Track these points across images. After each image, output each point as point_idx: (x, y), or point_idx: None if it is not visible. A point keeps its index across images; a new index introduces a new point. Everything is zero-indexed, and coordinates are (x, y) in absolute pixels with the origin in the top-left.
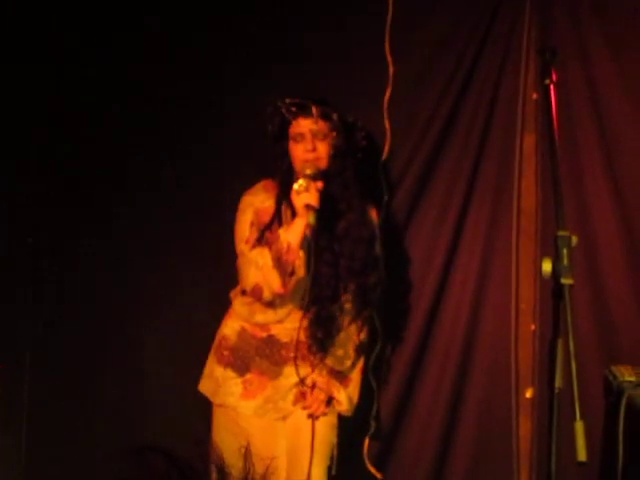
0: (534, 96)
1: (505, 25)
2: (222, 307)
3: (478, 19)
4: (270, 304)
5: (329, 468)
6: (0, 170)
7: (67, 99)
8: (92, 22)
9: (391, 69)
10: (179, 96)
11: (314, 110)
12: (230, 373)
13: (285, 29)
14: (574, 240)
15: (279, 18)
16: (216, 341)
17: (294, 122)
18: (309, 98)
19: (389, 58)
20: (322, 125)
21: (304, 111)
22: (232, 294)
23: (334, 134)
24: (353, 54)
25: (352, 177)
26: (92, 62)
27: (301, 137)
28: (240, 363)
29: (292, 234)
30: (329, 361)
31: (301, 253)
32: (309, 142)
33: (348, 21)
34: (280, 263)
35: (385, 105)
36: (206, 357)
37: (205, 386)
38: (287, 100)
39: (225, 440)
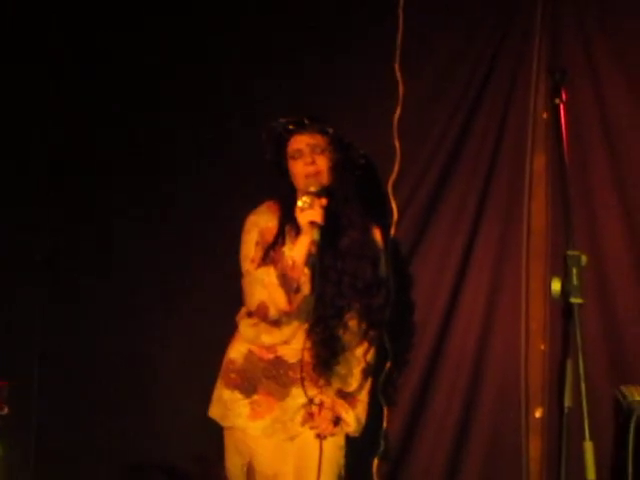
0: (544, 116)
1: (515, 45)
2: (231, 329)
3: (488, 39)
4: (276, 323)
5: None
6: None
7: (69, 104)
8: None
9: (401, 88)
10: (184, 111)
11: (309, 125)
12: (237, 395)
13: (295, 47)
14: (584, 259)
15: (289, 36)
16: (223, 365)
17: (291, 140)
18: (303, 115)
19: (399, 77)
20: (319, 139)
21: (300, 127)
22: (238, 317)
23: (331, 148)
24: (363, 73)
25: (352, 193)
26: (93, 64)
27: (299, 153)
28: (247, 385)
29: (297, 251)
30: (335, 382)
31: (306, 270)
32: (307, 156)
33: (358, 40)
34: (285, 280)
35: (395, 124)
36: (214, 378)
37: (214, 411)
38: (281, 120)
39: (234, 461)
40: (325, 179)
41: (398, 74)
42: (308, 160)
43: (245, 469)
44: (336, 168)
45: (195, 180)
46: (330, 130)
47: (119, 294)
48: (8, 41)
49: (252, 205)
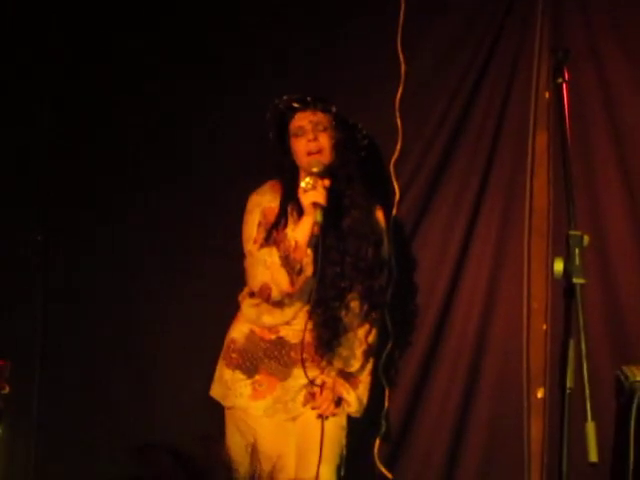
0: (546, 95)
1: (517, 24)
2: (233, 309)
3: (490, 18)
4: (278, 304)
5: (338, 468)
6: (7, 168)
7: (73, 100)
8: (94, 23)
9: (403, 68)
10: (184, 97)
11: (312, 102)
12: (239, 375)
13: (296, 29)
14: (586, 239)
15: (290, 18)
16: (225, 345)
17: (294, 118)
18: (305, 93)
19: (401, 57)
20: (321, 117)
21: (302, 105)
22: (240, 297)
23: (334, 126)
24: (365, 53)
25: (355, 173)
26: (94, 62)
27: (302, 130)
28: (249, 365)
29: (300, 232)
30: (337, 363)
31: (309, 251)
32: (310, 133)
33: (360, 20)
34: (288, 261)
35: (397, 104)
36: (216, 358)
37: (216, 391)
38: (284, 97)
39: (235, 440)
40: (327, 157)
41: (400, 55)
42: (310, 137)
43: (249, 449)
44: (338, 147)
45: (195, 162)
46: (333, 108)
47: (119, 277)
48: (8, 41)
49: (254, 186)
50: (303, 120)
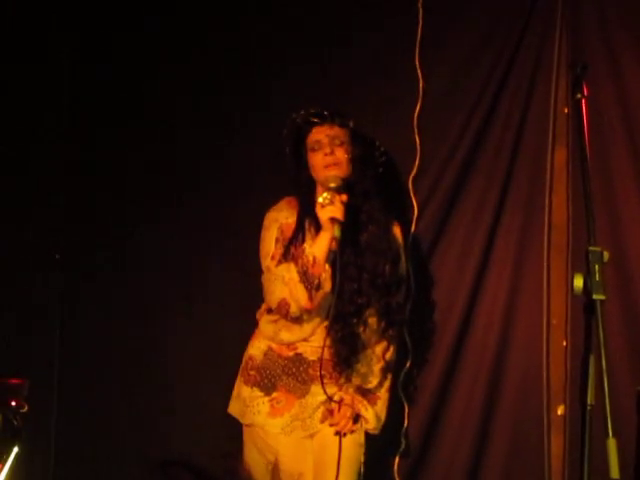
0: (565, 111)
1: (535, 40)
2: (251, 326)
3: (508, 34)
4: (297, 320)
5: None
6: (22, 185)
7: (84, 111)
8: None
9: (421, 84)
10: (199, 110)
11: (329, 117)
12: (257, 392)
13: (314, 44)
14: (606, 255)
15: (307, 34)
16: (243, 362)
17: (311, 132)
18: (322, 107)
19: (419, 73)
20: (338, 131)
21: (319, 119)
22: (258, 314)
23: (351, 141)
24: (382, 69)
25: (372, 188)
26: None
27: (319, 145)
28: (267, 382)
29: (318, 247)
30: (355, 379)
31: (327, 266)
32: (327, 146)
33: (378, 36)
34: (306, 277)
35: (415, 120)
36: (234, 375)
37: (234, 408)
38: (301, 112)
39: (253, 457)
40: (344, 171)
41: (418, 71)
42: (327, 150)
43: (270, 467)
44: (355, 162)
45: (213, 178)
46: (350, 123)
47: (137, 293)
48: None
49: (271, 201)
50: (320, 134)
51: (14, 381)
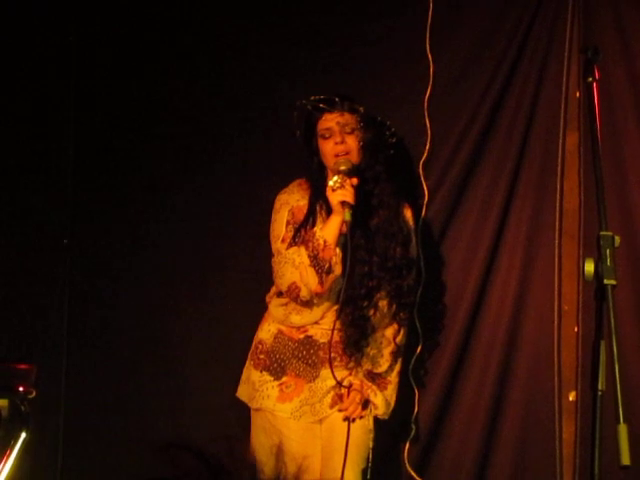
0: (577, 94)
1: (547, 23)
2: (261, 309)
3: (520, 17)
4: (307, 304)
5: (364, 472)
6: (32, 173)
7: (98, 104)
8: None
9: (432, 67)
10: (209, 99)
11: (339, 103)
12: (266, 377)
13: (324, 27)
14: (617, 240)
15: (318, 17)
16: (252, 346)
17: (321, 118)
18: (333, 93)
19: (430, 56)
20: (349, 118)
21: (330, 106)
22: (267, 297)
23: (362, 127)
24: (393, 52)
25: (383, 172)
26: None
27: (329, 132)
28: (276, 366)
29: (328, 231)
30: (365, 364)
31: (338, 250)
32: (337, 135)
33: (388, 19)
34: (317, 261)
35: (425, 104)
36: (243, 359)
37: (242, 392)
38: (312, 97)
39: (261, 441)
40: (355, 158)
41: (429, 54)
42: (338, 139)
43: (274, 450)
44: (366, 147)
45: (225, 162)
46: (361, 109)
47: (147, 277)
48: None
49: (282, 184)
50: (331, 122)
51: (22, 366)
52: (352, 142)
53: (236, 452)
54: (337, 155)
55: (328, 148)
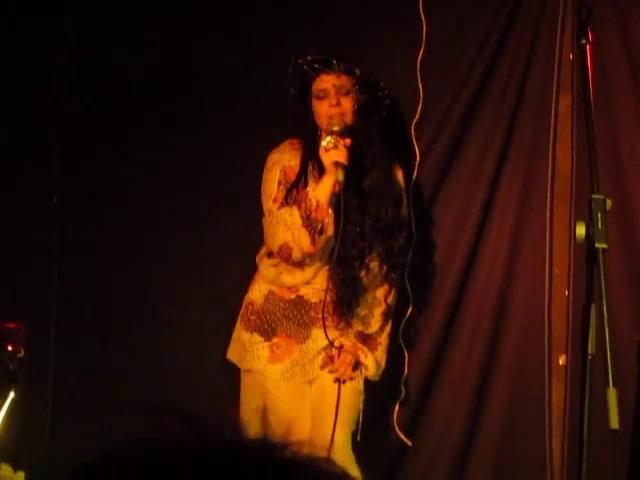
0: (570, 57)
1: None
2: (251, 270)
3: None
4: (299, 264)
5: (354, 434)
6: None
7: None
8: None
9: (425, 29)
10: (200, 54)
11: (336, 65)
12: (257, 337)
13: None
14: (609, 203)
15: None
16: (243, 307)
17: (316, 79)
18: (330, 54)
19: (423, 18)
20: (345, 80)
21: (326, 66)
22: (257, 258)
23: (357, 89)
24: (386, 14)
25: (376, 134)
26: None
27: (324, 93)
28: (267, 327)
29: (321, 191)
30: (355, 324)
31: (330, 211)
32: (333, 97)
33: None
34: (309, 221)
35: (418, 66)
36: (233, 321)
37: (232, 353)
38: (308, 57)
39: (250, 402)
40: (349, 120)
41: (422, 15)
42: (333, 101)
43: (261, 411)
44: (361, 109)
45: (211, 122)
46: (357, 71)
47: (137, 235)
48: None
49: (271, 143)
50: (327, 83)
51: (10, 325)
52: (347, 104)
53: (221, 412)
54: (332, 116)
55: (323, 109)
